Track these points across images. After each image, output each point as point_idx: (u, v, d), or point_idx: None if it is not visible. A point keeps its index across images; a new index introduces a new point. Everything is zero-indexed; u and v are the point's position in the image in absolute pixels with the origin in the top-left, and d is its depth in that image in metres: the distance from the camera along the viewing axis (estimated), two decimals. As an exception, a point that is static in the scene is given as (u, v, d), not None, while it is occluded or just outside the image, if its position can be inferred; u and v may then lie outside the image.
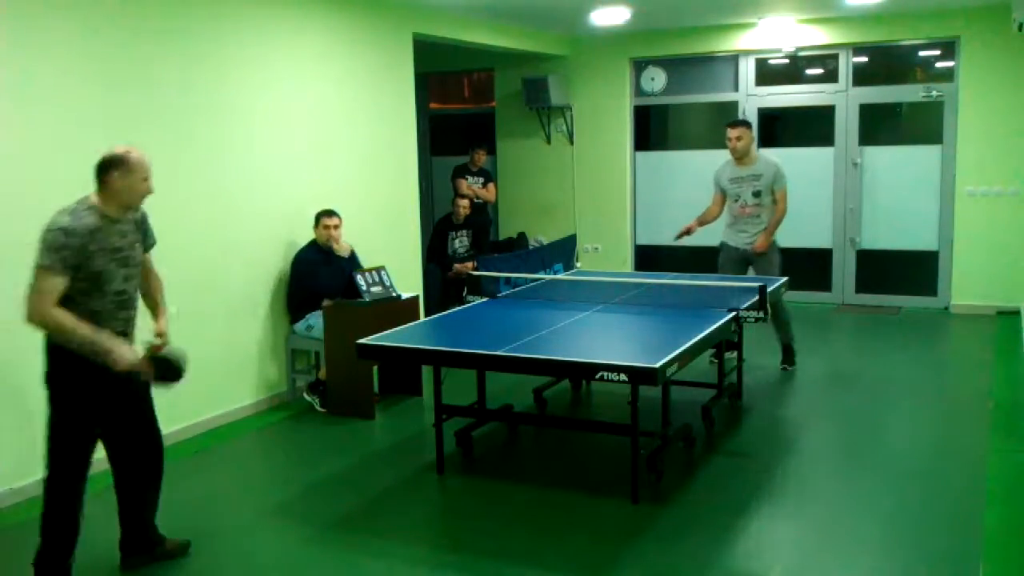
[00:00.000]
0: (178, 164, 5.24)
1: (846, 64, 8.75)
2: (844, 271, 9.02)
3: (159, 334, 3.59)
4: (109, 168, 3.34)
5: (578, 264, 6.93)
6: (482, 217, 8.77)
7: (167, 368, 3.50)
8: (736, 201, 6.59)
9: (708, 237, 6.97)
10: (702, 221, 6.72)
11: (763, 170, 6.50)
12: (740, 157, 6.52)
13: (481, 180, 8.78)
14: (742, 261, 6.63)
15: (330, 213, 6.04)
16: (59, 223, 3.23)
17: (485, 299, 5.58)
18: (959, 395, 6.07)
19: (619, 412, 4.74)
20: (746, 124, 6.59)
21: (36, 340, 4.54)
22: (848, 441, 5.19)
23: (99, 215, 3.32)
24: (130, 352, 3.38)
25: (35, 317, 3.25)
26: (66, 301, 3.25)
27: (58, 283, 3.21)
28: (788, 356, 6.62)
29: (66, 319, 3.24)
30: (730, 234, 6.67)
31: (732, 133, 6.50)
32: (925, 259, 8.69)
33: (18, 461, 4.47)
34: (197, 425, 5.42)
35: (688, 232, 6.67)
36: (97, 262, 3.30)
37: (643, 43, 9.34)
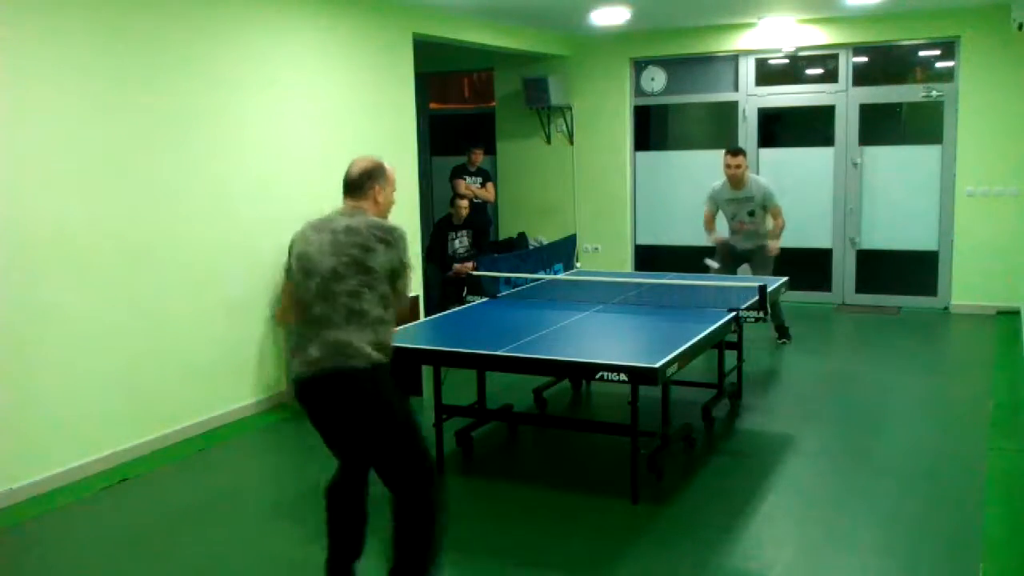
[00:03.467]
0: (178, 164, 5.24)
1: (846, 64, 8.74)
2: (844, 271, 9.02)
3: None
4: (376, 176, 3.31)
5: (578, 264, 6.94)
6: (482, 217, 8.76)
7: None
8: (733, 219, 7.13)
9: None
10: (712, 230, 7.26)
11: (754, 192, 6.99)
12: (737, 184, 6.96)
13: (479, 180, 8.77)
14: (739, 258, 7.15)
15: None
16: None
17: (485, 299, 5.58)
18: (959, 395, 6.07)
19: (619, 412, 4.74)
20: (744, 152, 7.06)
21: (35, 341, 4.53)
22: (848, 441, 5.18)
23: None
24: None
25: None
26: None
27: None
28: (783, 332, 7.15)
29: None
30: (732, 238, 7.22)
31: (732, 161, 6.95)
32: (925, 259, 8.68)
33: (18, 462, 4.46)
34: (197, 425, 5.42)
35: (721, 239, 7.20)
36: None
37: (643, 43, 9.34)
